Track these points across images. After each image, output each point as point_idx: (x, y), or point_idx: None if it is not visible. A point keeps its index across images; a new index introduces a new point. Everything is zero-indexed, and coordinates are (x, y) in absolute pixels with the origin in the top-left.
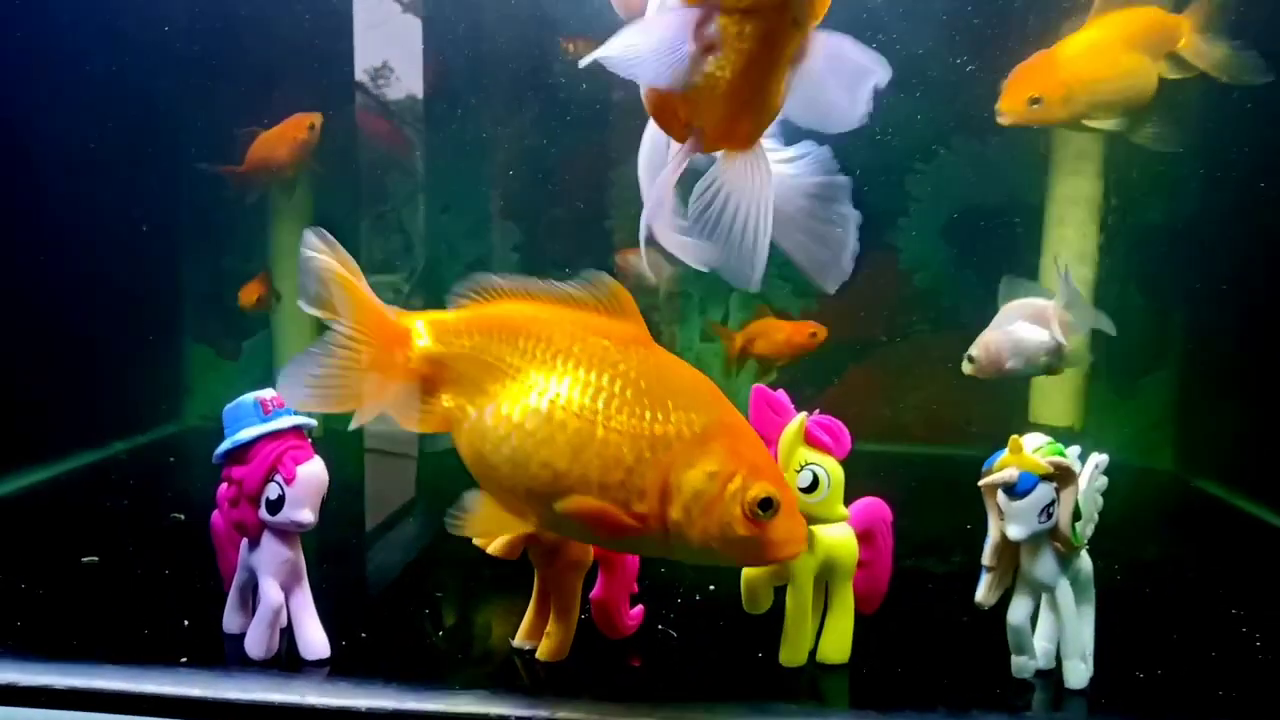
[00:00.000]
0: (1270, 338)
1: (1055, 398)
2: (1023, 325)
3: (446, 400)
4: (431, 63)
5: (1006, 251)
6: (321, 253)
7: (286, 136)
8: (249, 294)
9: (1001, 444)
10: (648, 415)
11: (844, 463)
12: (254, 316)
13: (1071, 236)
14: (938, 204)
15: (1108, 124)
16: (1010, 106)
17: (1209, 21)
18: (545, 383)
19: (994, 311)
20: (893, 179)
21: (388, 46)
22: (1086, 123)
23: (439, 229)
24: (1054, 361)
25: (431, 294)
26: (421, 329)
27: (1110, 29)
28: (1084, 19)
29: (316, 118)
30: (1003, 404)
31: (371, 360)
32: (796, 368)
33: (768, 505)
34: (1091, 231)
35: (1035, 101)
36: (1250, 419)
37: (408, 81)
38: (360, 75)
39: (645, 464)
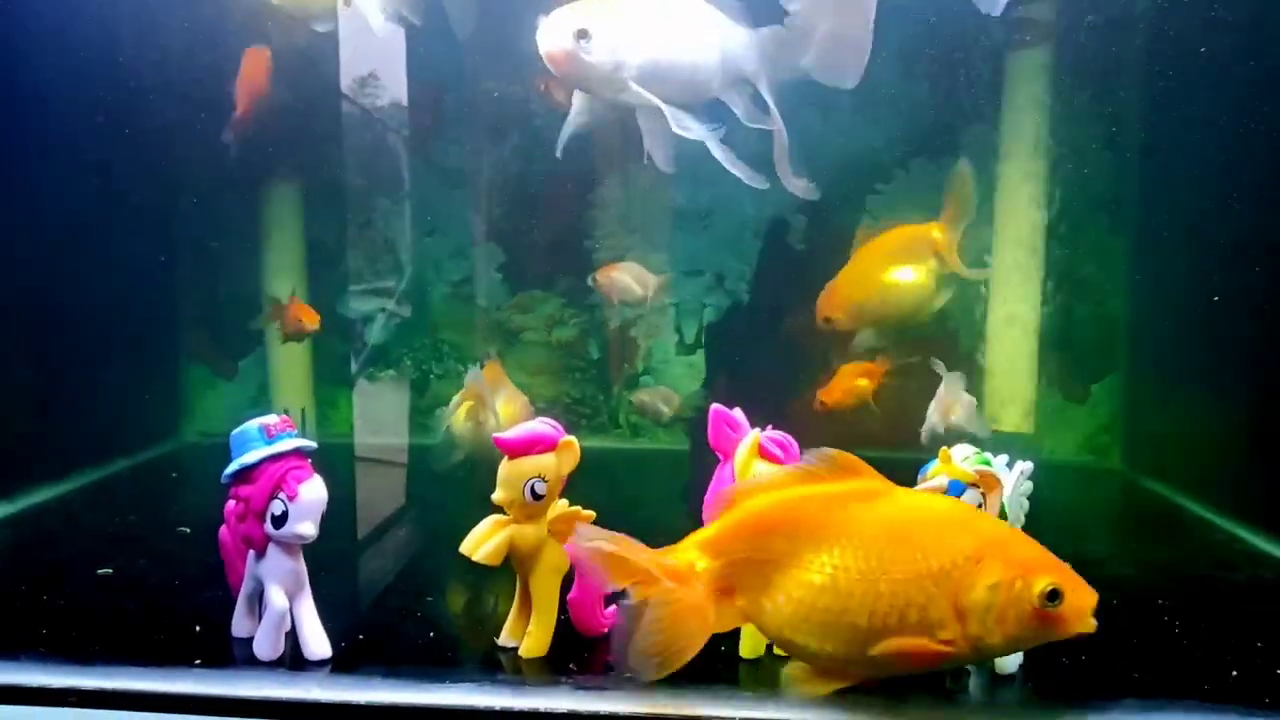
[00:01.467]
0: (1213, 343)
1: (1008, 405)
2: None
3: (740, 601)
4: (415, 81)
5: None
6: (592, 541)
7: (258, 70)
8: (293, 319)
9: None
10: (919, 556)
11: None
12: (252, 337)
13: (1018, 248)
14: (897, 222)
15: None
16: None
17: (954, 225)
18: (820, 560)
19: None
20: (855, 199)
21: (373, 61)
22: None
23: (424, 249)
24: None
25: (417, 309)
26: (698, 554)
27: (873, 254)
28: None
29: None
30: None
31: (681, 607)
32: (773, 377)
33: (1054, 595)
34: (1037, 245)
35: (828, 321)
36: (1194, 421)
37: (393, 93)
38: (346, 87)
39: (933, 599)
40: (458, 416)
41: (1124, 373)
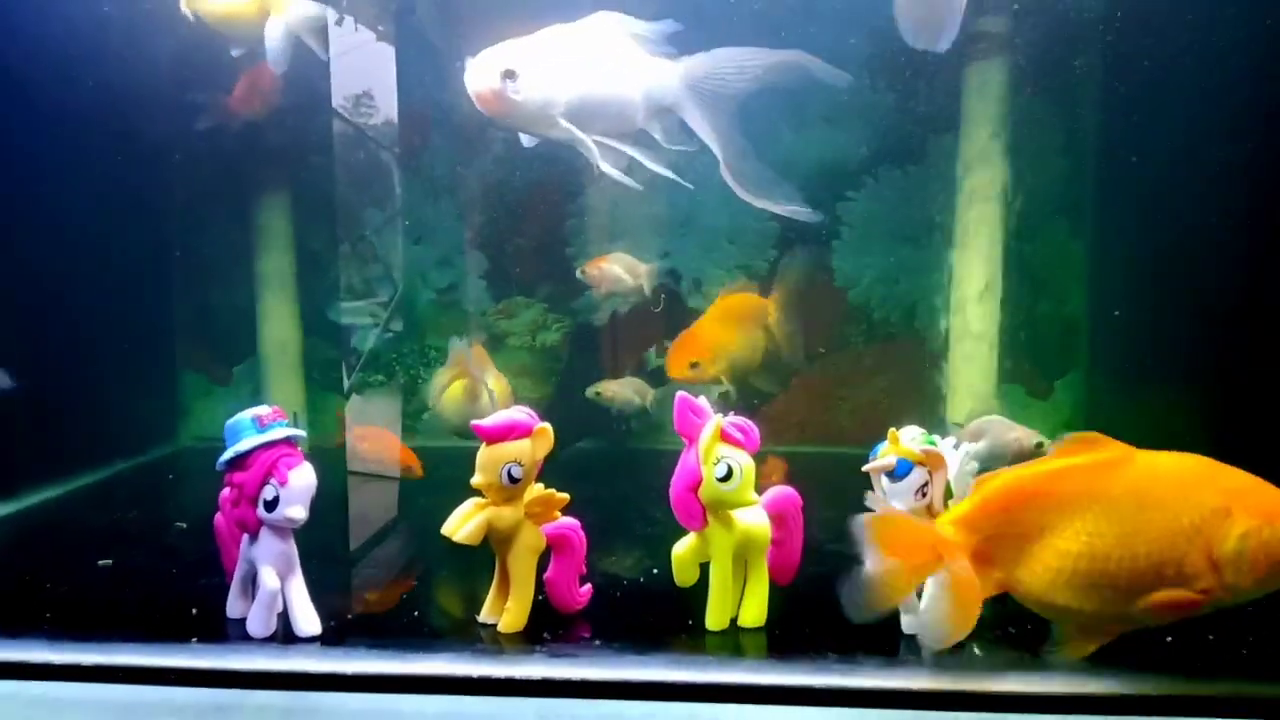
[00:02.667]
0: (1171, 340)
1: (971, 402)
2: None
3: (997, 573)
4: (405, 96)
5: (925, 268)
6: (885, 513)
7: (260, 89)
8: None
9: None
10: (1170, 515)
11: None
12: (242, 345)
13: (980, 251)
14: (867, 227)
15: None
16: (677, 371)
17: (785, 304)
18: (1075, 528)
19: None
20: (827, 206)
21: (363, 77)
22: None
23: (411, 258)
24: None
25: (408, 319)
26: (955, 531)
27: (725, 311)
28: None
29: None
30: (926, 410)
31: (964, 579)
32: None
33: None
34: (998, 248)
35: (694, 365)
36: (1154, 416)
37: (385, 111)
38: (337, 102)
39: (1187, 555)
40: (451, 392)
41: (1085, 370)
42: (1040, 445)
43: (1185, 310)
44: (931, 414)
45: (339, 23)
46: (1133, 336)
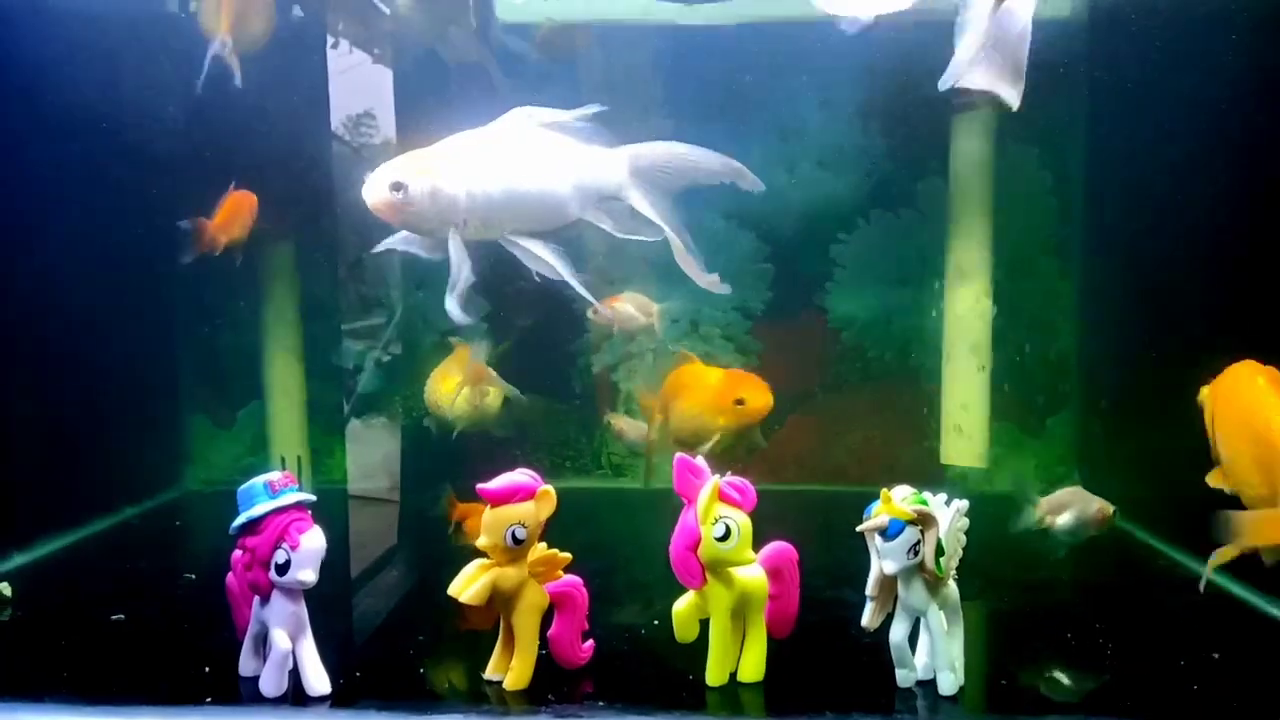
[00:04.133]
0: (1160, 376)
1: (963, 441)
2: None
3: None
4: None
5: (916, 307)
6: None
7: (239, 215)
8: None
9: (919, 483)
10: None
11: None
12: (247, 386)
13: (970, 291)
14: (860, 268)
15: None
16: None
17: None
18: None
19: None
20: (819, 247)
21: (362, 99)
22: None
23: (414, 302)
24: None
25: (407, 357)
26: None
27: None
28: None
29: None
30: (920, 448)
31: None
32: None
33: None
34: (988, 287)
35: (739, 402)
36: (1145, 452)
37: (384, 131)
38: (336, 126)
39: None
40: (462, 398)
41: (1077, 407)
42: (1115, 513)
43: (1175, 346)
44: (928, 456)
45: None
46: (1124, 373)
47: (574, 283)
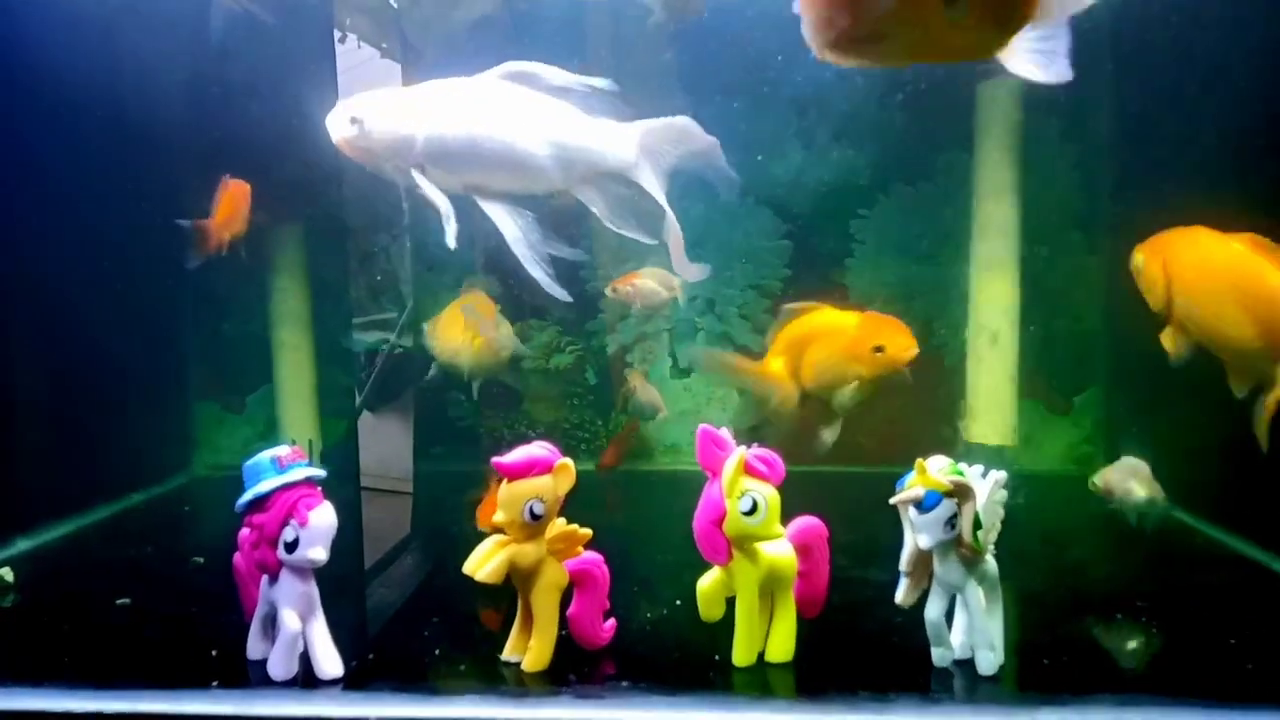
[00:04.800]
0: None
1: (989, 418)
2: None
3: None
4: None
5: (940, 284)
6: None
7: (238, 209)
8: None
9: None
10: None
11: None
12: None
13: (995, 267)
14: (880, 244)
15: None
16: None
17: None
18: None
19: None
20: (839, 224)
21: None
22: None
23: (424, 283)
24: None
25: (418, 342)
26: None
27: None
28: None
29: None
30: (947, 426)
31: None
32: None
33: None
34: (1013, 264)
35: (878, 349)
36: (1173, 430)
37: None
38: None
39: None
40: (473, 347)
41: (1104, 385)
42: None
43: None
44: (950, 431)
45: (342, 40)
46: (1151, 351)
47: (533, 268)
